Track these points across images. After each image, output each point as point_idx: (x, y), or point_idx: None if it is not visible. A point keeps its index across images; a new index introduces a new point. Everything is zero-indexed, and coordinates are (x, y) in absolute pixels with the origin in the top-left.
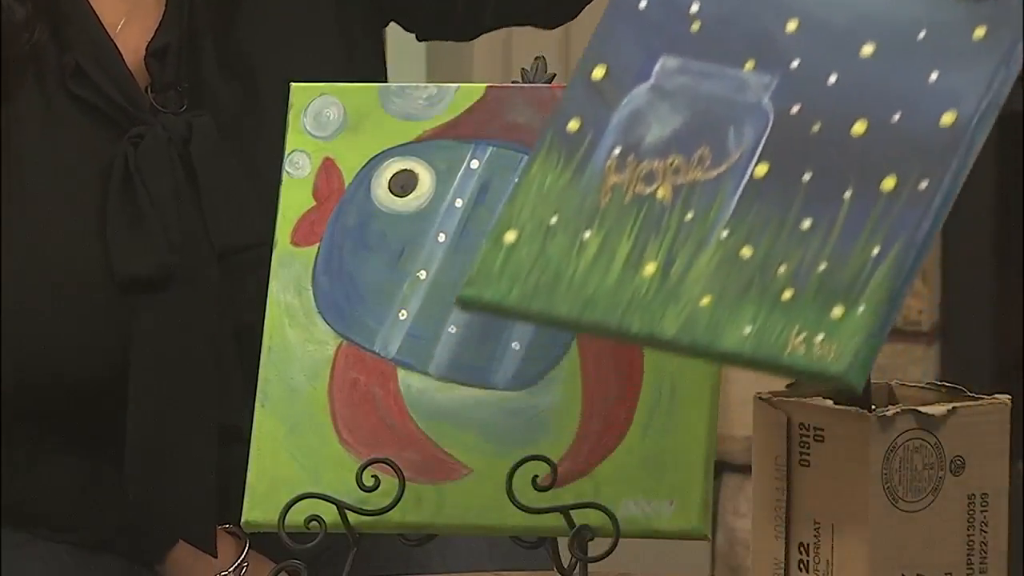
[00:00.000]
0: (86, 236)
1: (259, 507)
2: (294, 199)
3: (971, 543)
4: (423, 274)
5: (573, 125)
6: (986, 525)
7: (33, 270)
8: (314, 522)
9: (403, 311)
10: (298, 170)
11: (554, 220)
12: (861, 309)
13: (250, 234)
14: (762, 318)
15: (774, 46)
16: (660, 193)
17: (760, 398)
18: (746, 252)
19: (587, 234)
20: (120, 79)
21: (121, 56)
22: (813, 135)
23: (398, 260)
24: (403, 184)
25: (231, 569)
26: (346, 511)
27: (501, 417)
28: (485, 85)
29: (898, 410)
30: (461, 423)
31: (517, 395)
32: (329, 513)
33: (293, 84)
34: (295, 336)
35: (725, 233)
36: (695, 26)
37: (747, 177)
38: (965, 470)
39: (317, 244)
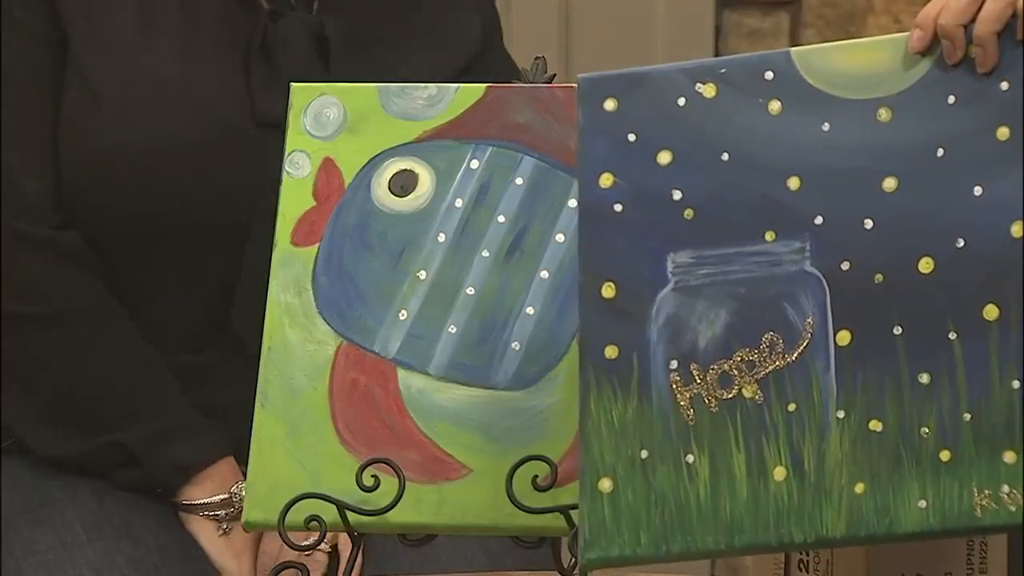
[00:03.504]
0: (231, 80)
1: (259, 507)
2: (294, 199)
3: (971, 543)
4: (423, 274)
5: (611, 352)
6: None
7: (184, 104)
8: (314, 522)
9: (403, 311)
10: (298, 170)
11: (645, 454)
12: None
13: None
14: (932, 488)
15: (787, 209)
16: (747, 392)
17: None
18: (875, 426)
19: (690, 458)
20: None
21: None
22: (880, 286)
23: (398, 260)
24: (403, 184)
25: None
26: (346, 511)
27: (501, 417)
28: (485, 85)
29: None
30: (461, 423)
31: (517, 395)
32: (329, 513)
33: (293, 84)
34: (295, 336)
35: (841, 413)
36: (688, 214)
37: (832, 349)
38: None
39: (317, 244)
